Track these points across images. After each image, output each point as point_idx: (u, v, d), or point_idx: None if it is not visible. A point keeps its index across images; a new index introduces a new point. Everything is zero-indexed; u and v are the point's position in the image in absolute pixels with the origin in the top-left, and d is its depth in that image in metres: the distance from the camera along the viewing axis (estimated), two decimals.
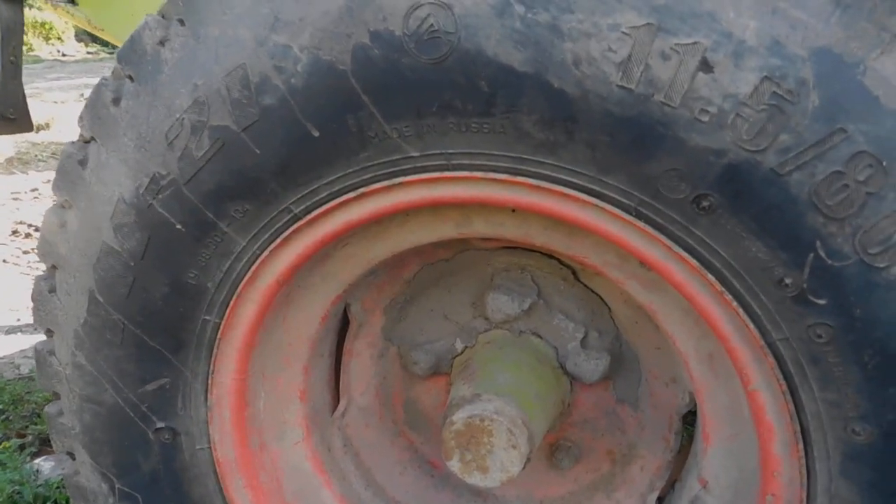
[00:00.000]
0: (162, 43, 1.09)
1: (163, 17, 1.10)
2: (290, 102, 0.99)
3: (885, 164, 0.81)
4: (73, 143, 1.22)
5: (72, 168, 1.19)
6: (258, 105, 1.00)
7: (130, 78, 1.12)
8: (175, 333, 1.18)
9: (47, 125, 7.91)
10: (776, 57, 0.82)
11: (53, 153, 7.72)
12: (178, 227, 1.10)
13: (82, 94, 11.28)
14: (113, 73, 1.17)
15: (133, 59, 1.11)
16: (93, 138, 1.17)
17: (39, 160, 7.42)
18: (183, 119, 1.06)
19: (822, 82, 0.81)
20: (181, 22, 1.07)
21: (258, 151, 1.03)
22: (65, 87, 11.65)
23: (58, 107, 9.78)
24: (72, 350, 1.24)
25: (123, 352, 1.20)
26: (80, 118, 1.19)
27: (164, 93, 1.08)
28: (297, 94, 0.98)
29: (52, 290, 1.26)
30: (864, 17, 0.81)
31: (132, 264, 1.14)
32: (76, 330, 1.23)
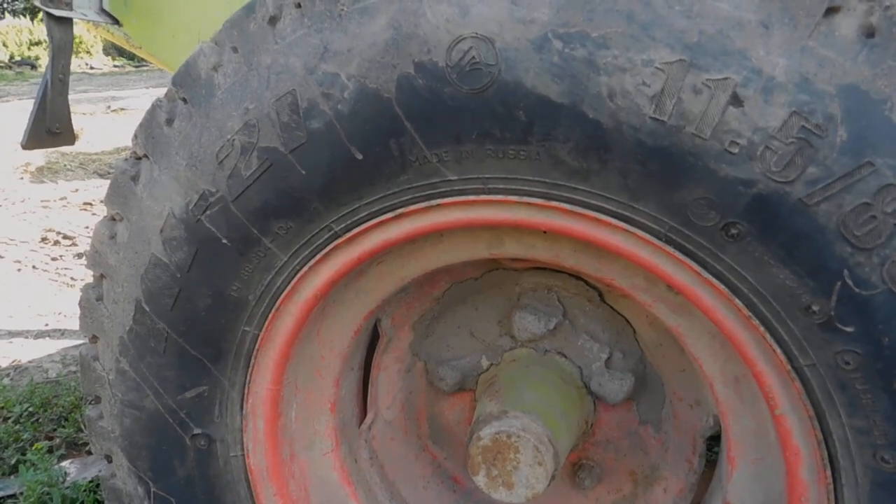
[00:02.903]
0: (215, 69, 1.16)
1: (216, 44, 1.17)
2: (336, 127, 1.05)
3: None
4: (125, 159, 1.29)
5: (124, 183, 1.26)
6: (306, 129, 1.06)
7: (184, 100, 1.19)
8: (216, 343, 1.23)
9: (77, 137, 8.15)
10: (805, 93, 0.85)
11: (81, 163, 7.94)
12: (224, 241, 1.16)
13: (109, 106, 11.61)
14: (167, 95, 1.24)
15: (187, 83, 1.18)
16: (145, 155, 1.24)
17: (68, 169, 7.64)
18: (233, 140, 1.12)
19: (850, 118, 0.84)
20: (234, 49, 1.14)
21: (304, 172, 1.08)
22: (93, 100, 12.01)
23: (86, 118, 10.08)
24: (116, 356, 1.30)
25: (166, 360, 1.26)
26: (135, 136, 1.25)
27: (217, 115, 1.14)
28: (344, 119, 1.04)
29: (100, 299, 1.32)
30: (891, 57, 0.84)
31: (179, 276, 1.20)
32: (121, 337, 1.28)
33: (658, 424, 1.44)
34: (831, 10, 0.85)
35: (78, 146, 8.06)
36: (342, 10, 1.04)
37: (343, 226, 1.11)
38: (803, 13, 0.85)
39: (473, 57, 0.96)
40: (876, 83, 0.84)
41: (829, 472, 0.98)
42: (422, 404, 1.57)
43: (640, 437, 1.46)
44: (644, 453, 1.46)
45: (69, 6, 2.12)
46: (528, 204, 1.02)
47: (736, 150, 0.89)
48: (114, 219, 1.28)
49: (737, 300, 0.96)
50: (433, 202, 1.06)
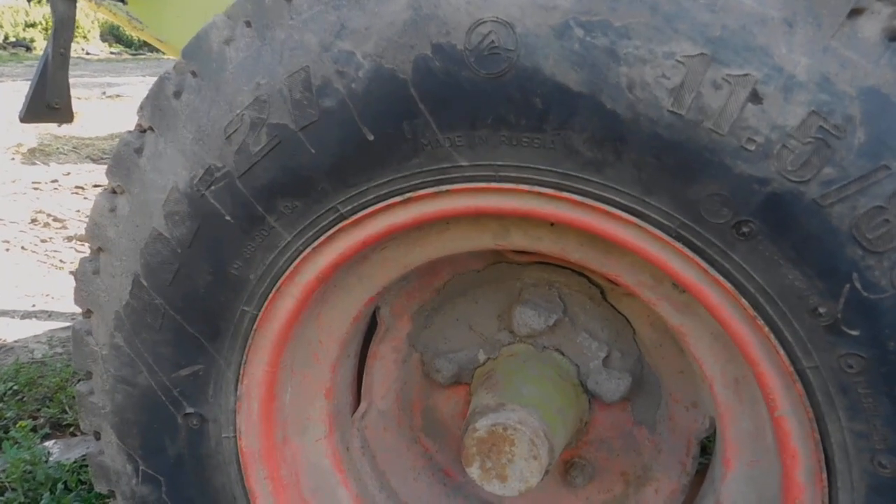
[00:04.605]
0: (227, 42, 1.14)
1: (229, 18, 1.16)
2: (349, 106, 1.03)
3: None
4: (130, 132, 1.27)
5: (128, 155, 1.24)
6: (318, 106, 1.05)
7: (193, 74, 1.17)
8: (213, 322, 1.21)
9: (74, 114, 8.05)
10: (825, 93, 0.85)
11: (75, 147, 7.85)
12: (228, 218, 1.14)
13: (104, 92, 11.50)
14: (175, 67, 1.22)
15: (198, 56, 1.16)
16: (151, 128, 1.22)
17: (61, 153, 7.55)
18: (243, 115, 1.10)
19: (869, 120, 0.84)
20: (248, 24, 1.12)
21: (313, 151, 1.07)
22: (88, 85, 11.89)
23: (81, 103, 9.97)
24: (111, 331, 1.27)
25: (162, 336, 1.23)
26: (140, 108, 1.23)
27: (227, 89, 1.12)
28: (357, 98, 1.03)
29: (96, 272, 1.29)
30: None
31: (179, 251, 1.18)
32: (117, 311, 1.26)
33: (653, 425, 1.43)
34: (855, 12, 0.85)
35: (72, 130, 7.98)
36: None
37: (350, 208, 1.10)
38: (827, 13, 0.86)
39: (493, 41, 0.95)
40: None
41: (825, 476, 0.98)
42: (416, 396, 1.55)
43: (634, 437, 1.45)
44: (637, 454, 1.46)
45: None
46: (539, 194, 1.02)
47: (753, 148, 0.89)
48: (115, 191, 1.26)
49: (743, 300, 0.96)
50: (443, 188, 1.05)
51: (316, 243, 1.14)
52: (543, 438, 1.21)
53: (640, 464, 1.46)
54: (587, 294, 1.39)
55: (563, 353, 1.42)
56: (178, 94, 1.18)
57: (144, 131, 1.24)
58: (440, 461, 1.56)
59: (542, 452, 1.20)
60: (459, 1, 0.97)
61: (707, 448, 1.44)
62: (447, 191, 1.05)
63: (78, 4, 2.21)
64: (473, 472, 1.21)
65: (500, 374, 1.39)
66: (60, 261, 4.54)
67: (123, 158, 1.24)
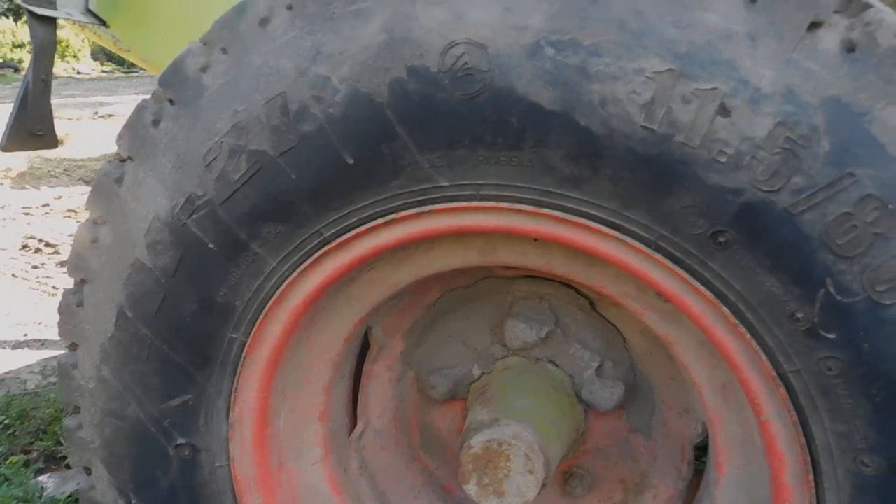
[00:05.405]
0: (204, 69, 1.15)
1: (205, 44, 1.16)
2: (327, 131, 1.04)
3: (890, 206, 0.85)
4: (109, 161, 1.27)
5: (108, 185, 1.24)
6: (296, 132, 1.06)
7: (171, 101, 1.18)
8: (201, 350, 1.21)
9: (61, 141, 8.00)
10: (790, 104, 0.87)
11: (66, 169, 7.81)
12: (211, 246, 1.15)
13: (96, 112, 11.45)
14: (153, 95, 1.23)
15: (175, 84, 1.17)
16: (130, 157, 1.22)
17: (52, 175, 7.50)
18: (222, 142, 1.11)
19: (833, 129, 0.86)
20: (224, 50, 1.13)
21: (293, 176, 1.08)
22: (79, 105, 11.82)
23: (72, 124, 9.92)
24: (97, 364, 1.27)
25: (149, 367, 1.23)
26: (119, 137, 1.24)
27: (205, 117, 1.13)
28: (335, 123, 1.04)
29: (80, 304, 1.29)
30: (871, 71, 0.86)
31: (163, 281, 1.18)
32: (103, 344, 1.25)
33: (648, 432, 1.44)
34: (815, 25, 0.87)
35: (63, 152, 7.93)
36: (335, 12, 1.04)
37: (333, 231, 1.11)
38: (788, 26, 0.87)
39: (466, 62, 0.96)
40: (857, 96, 0.86)
41: (812, 477, 0.99)
42: (413, 413, 1.55)
43: (631, 444, 1.46)
44: (634, 461, 1.46)
45: (53, 5, 2.08)
46: (520, 211, 1.03)
47: (724, 160, 0.90)
48: (96, 222, 1.26)
49: (724, 307, 0.97)
50: (425, 208, 1.06)
51: (301, 267, 1.14)
52: (538, 452, 1.21)
53: (637, 471, 1.46)
54: (577, 305, 1.40)
55: (556, 365, 1.43)
56: (156, 123, 1.18)
57: (124, 161, 1.24)
58: (440, 478, 1.56)
59: (537, 466, 1.20)
60: (432, 23, 0.99)
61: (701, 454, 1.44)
62: (430, 211, 1.06)
63: (64, 24, 2.20)
64: (471, 489, 1.22)
65: (495, 389, 1.39)
66: (53, 287, 4.51)
67: (104, 189, 1.24)
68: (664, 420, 1.40)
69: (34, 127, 2.20)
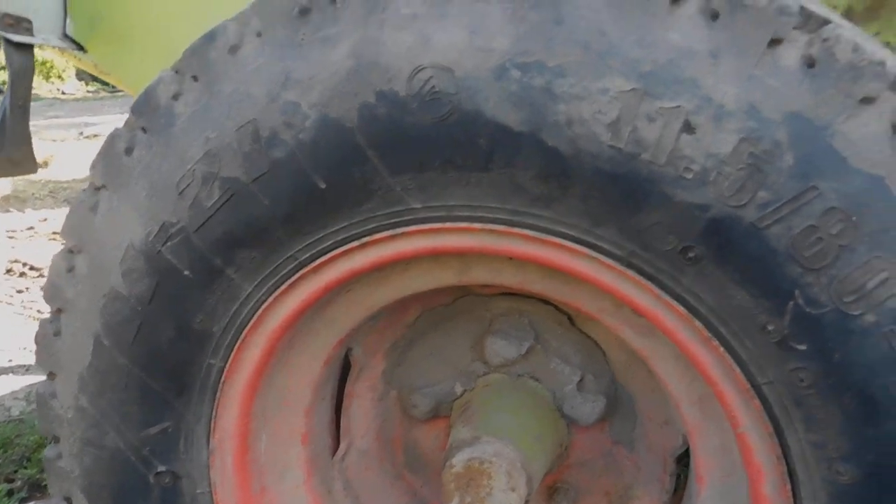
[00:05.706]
0: (175, 97, 1.15)
1: (177, 72, 1.17)
2: (298, 156, 1.05)
3: (854, 218, 0.87)
4: (84, 190, 1.27)
5: (82, 214, 1.23)
6: (268, 158, 1.06)
7: (143, 129, 1.18)
8: (179, 377, 1.20)
9: (45, 163, 7.95)
10: (752, 120, 0.88)
11: (51, 191, 7.74)
12: (186, 273, 1.14)
13: (81, 133, 11.37)
14: (126, 123, 1.23)
15: (146, 112, 1.17)
16: (104, 186, 1.22)
17: (37, 198, 7.44)
18: (194, 170, 1.11)
19: (795, 144, 0.87)
20: (195, 78, 1.14)
21: (266, 202, 1.08)
22: (64, 126, 11.74)
23: (56, 145, 9.85)
24: (75, 393, 1.26)
25: (127, 395, 1.22)
26: (93, 166, 1.23)
27: (177, 144, 1.13)
28: (306, 148, 1.04)
29: (57, 333, 1.28)
30: (831, 85, 0.88)
31: (139, 309, 1.17)
32: (80, 373, 1.24)
33: (631, 444, 1.45)
34: (775, 42, 0.89)
35: (48, 174, 7.86)
36: (303, 38, 1.05)
37: (308, 255, 1.11)
38: (749, 44, 0.89)
39: (434, 86, 0.97)
40: (818, 111, 0.88)
41: (789, 487, 1.00)
42: (397, 432, 1.55)
43: (614, 457, 1.46)
44: (618, 473, 1.46)
45: (30, 31, 2.07)
46: (493, 231, 1.03)
47: (690, 176, 0.91)
48: (71, 251, 1.25)
49: (697, 321, 0.98)
50: (398, 230, 1.06)
51: (277, 292, 1.14)
52: (520, 469, 1.21)
53: (621, 483, 1.46)
54: (556, 321, 1.41)
55: (537, 380, 1.43)
56: (129, 151, 1.18)
57: (98, 189, 1.24)
58: (425, 496, 1.56)
59: (519, 483, 1.20)
60: (399, 48, 0.99)
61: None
62: (403, 233, 1.07)
63: (45, 47, 2.20)
64: None
65: (476, 406, 1.39)
66: (38, 311, 4.45)
67: (78, 217, 1.24)
68: (646, 432, 1.40)
69: (12, 153, 2.19)
